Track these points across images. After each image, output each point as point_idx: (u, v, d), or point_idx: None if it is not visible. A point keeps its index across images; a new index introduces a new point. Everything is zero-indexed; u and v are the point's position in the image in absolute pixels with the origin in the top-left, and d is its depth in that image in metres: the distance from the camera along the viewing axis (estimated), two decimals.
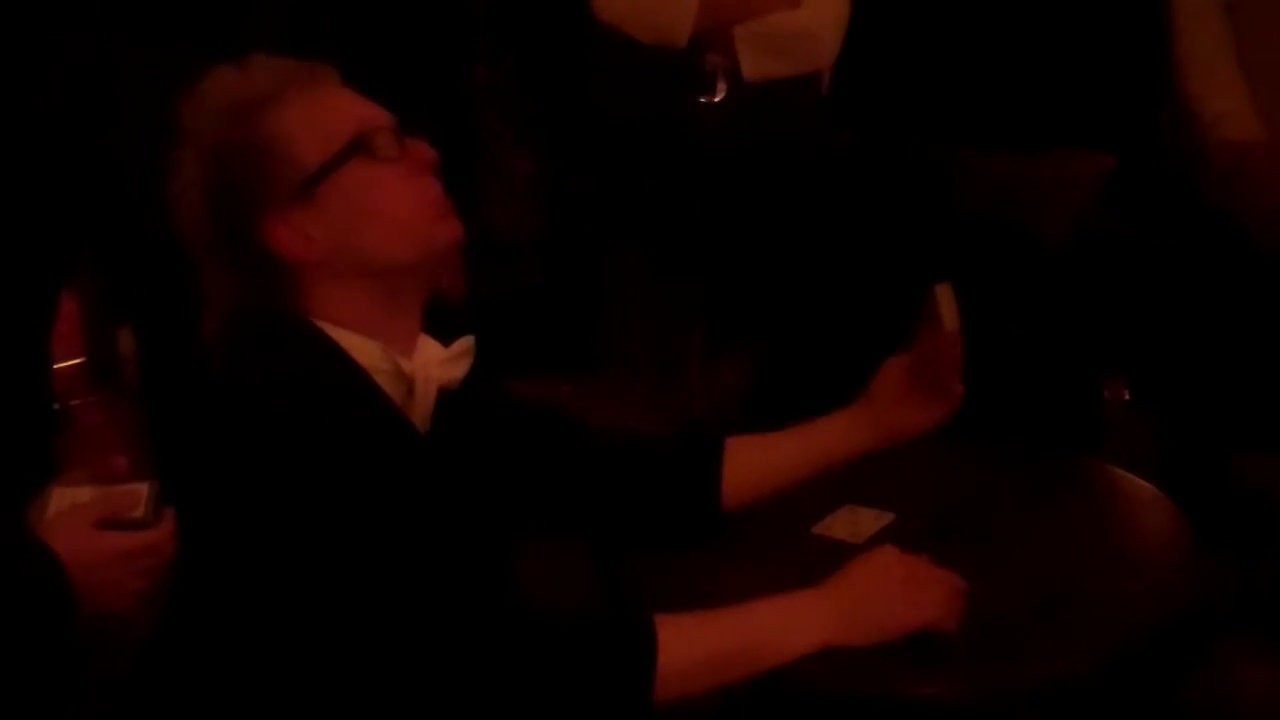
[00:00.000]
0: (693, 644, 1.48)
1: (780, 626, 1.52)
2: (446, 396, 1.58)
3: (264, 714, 1.47)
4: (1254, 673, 2.02)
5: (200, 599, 1.49)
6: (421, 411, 1.55)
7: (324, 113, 1.53)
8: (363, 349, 1.51)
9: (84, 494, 1.44)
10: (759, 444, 1.82)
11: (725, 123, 2.57)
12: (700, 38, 2.52)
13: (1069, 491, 1.99)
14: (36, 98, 2.28)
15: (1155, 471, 2.12)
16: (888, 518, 1.87)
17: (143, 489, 1.44)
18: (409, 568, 1.40)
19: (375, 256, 1.52)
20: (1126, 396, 2.80)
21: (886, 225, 2.64)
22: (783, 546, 1.85)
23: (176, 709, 1.50)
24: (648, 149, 2.60)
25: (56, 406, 2.49)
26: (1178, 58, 2.56)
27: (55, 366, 2.50)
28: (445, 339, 1.60)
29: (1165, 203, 2.64)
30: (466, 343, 1.59)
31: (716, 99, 2.55)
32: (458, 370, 1.58)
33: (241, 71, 1.55)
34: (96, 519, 1.41)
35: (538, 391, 2.40)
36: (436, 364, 1.57)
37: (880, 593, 1.55)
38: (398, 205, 1.52)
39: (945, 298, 1.72)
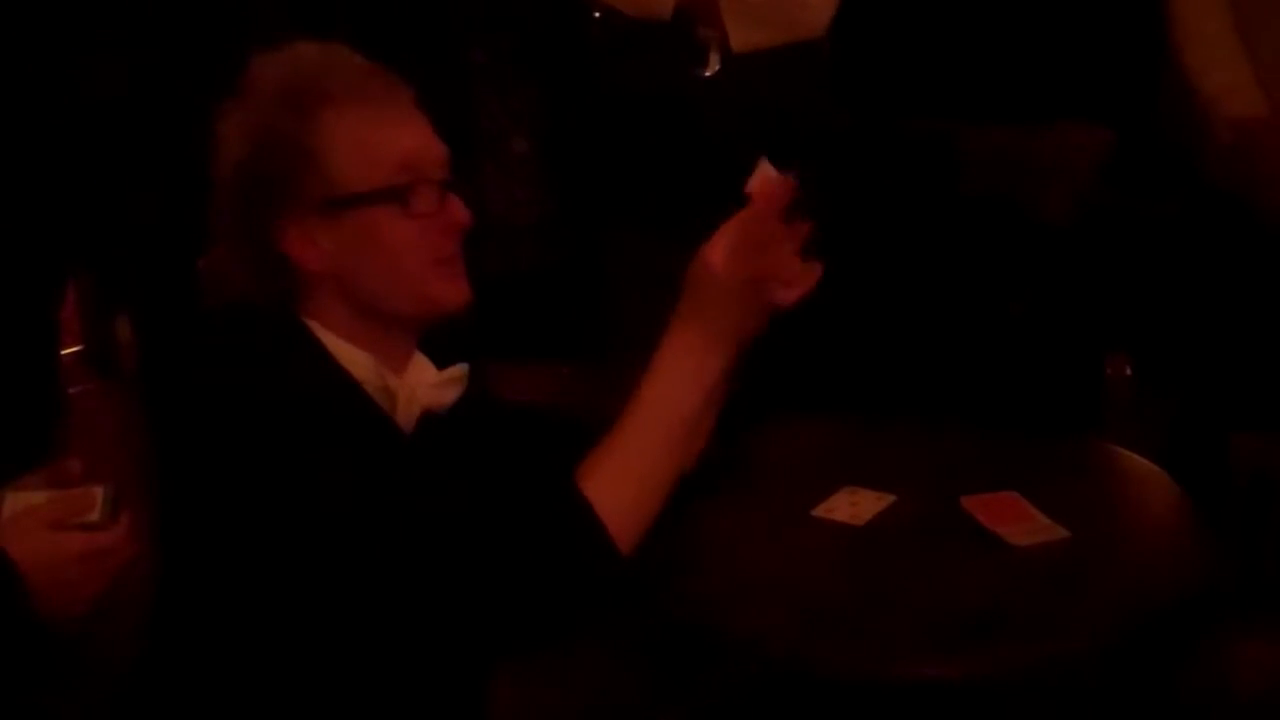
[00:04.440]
0: (617, 470, 1.46)
1: (671, 386, 1.49)
2: (432, 417, 1.56)
3: (263, 706, 1.47)
4: (1255, 653, 2.02)
5: (190, 588, 1.49)
6: (402, 427, 1.54)
7: (377, 140, 1.50)
8: (353, 359, 1.51)
9: (38, 498, 1.41)
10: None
11: (723, 99, 2.56)
12: (687, 10, 2.50)
13: (1071, 471, 1.98)
14: (49, 95, 2.28)
15: (1157, 450, 2.11)
16: (889, 499, 1.86)
17: (98, 491, 1.41)
18: (382, 540, 1.40)
19: (372, 294, 1.51)
20: (1129, 373, 2.79)
21: (887, 202, 2.63)
22: (783, 529, 1.85)
23: (174, 709, 1.51)
24: (647, 128, 2.59)
25: (70, 391, 2.50)
26: (1176, 31, 2.54)
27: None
28: (445, 357, 1.58)
29: (1167, 178, 2.62)
30: (459, 370, 1.57)
31: (708, 73, 2.54)
32: (446, 396, 1.57)
33: (321, 55, 1.53)
34: (51, 521, 1.39)
35: (539, 376, 2.40)
36: (425, 386, 1.55)
37: (726, 301, 1.52)
38: (410, 261, 1.50)
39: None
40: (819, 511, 1.85)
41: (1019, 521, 1.79)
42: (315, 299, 1.52)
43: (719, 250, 1.51)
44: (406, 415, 1.54)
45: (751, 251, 1.51)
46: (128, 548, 1.41)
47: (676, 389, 1.49)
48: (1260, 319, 2.44)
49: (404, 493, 1.42)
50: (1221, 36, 2.51)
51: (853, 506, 1.85)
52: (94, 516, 1.40)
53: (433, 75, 2.64)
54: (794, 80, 2.60)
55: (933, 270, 2.54)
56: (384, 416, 1.52)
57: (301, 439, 1.41)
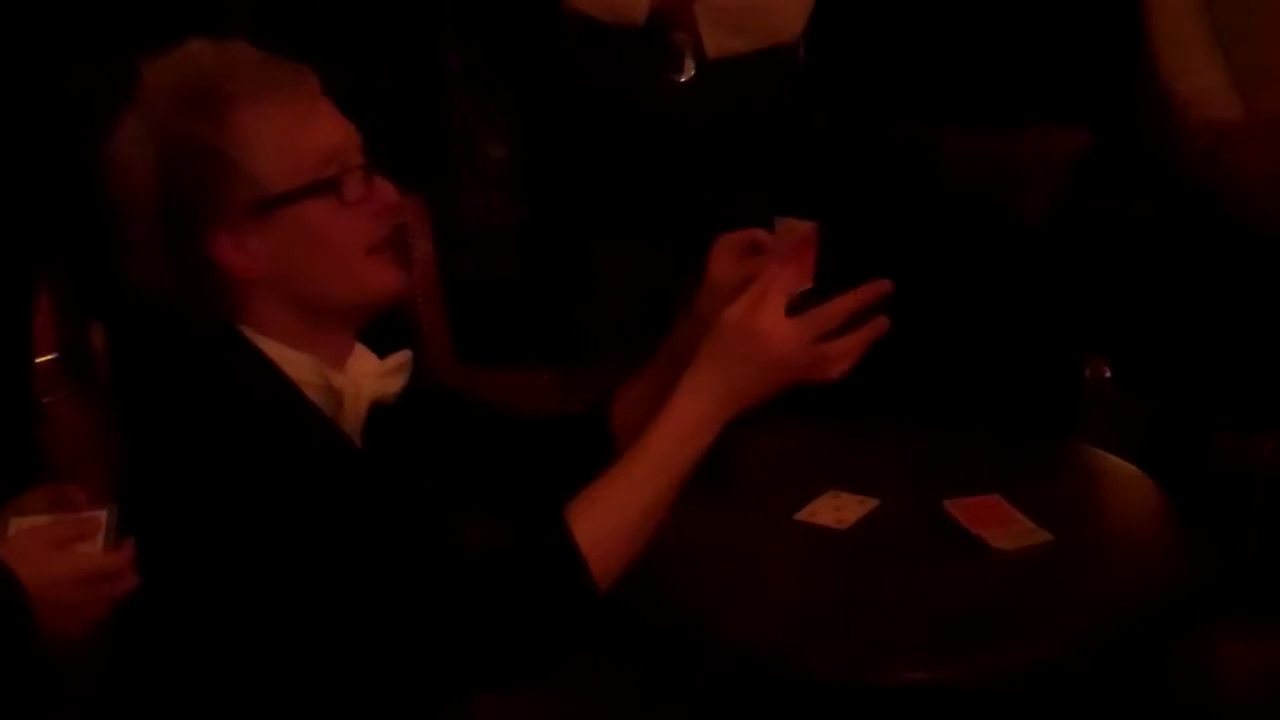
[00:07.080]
0: (609, 516, 1.45)
1: (677, 444, 1.48)
2: (380, 410, 1.54)
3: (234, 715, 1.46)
4: (1238, 653, 2.02)
5: (154, 598, 1.47)
6: (352, 424, 1.51)
7: (298, 133, 1.45)
8: (293, 362, 1.47)
9: (41, 520, 1.40)
10: (637, 384, 1.74)
11: (700, 103, 2.55)
12: (662, 15, 2.50)
13: (1052, 474, 1.99)
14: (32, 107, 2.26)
15: (1137, 451, 2.11)
16: (871, 503, 1.86)
17: (101, 516, 1.40)
18: (345, 558, 1.38)
19: (313, 291, 1.47)
20: (1108, 375, 2.79)
21: (866, 204, 2.63)
22: (767, 533, 1.84)
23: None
24: (624, 131, 2.59)
25: (45, 400, 2.47)
26: (1152, 35, 2.54)
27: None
28: (385, 346, 1.56)
29: (1144, 179, 2.63)
30: (403, 357, 1.54)
31: (683, 78, 2.54)
32: (391, 385, 1.54)
33: (219, 53, 1.47)
34: (55, 543, 1.37)
35: (518, 381, 2.39)
36: (370, 378, 1.52)
37: (748, 359, 1.49)
38: (348, 250, 1.47)
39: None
40: (802, 516, 1.85)
41: (1002, 525, 1.79)
42: (249, 305, 1.48)
43: (768, 318, 1.49)
44: (354, 411, 1.51)
45: (815, 333, 1.50)
46: (130, 575, 1.39)
47: (681, 444, 1.48)
48: (1238, 319, 2.44)
49: (354, 519, 1.41)
50: (1197, 41, 2.51)
51: (836, 511, 1.85)
52: (98, 540, 1.38)
53: (408, 80, 2.65)
54: (768, 85, 2.60)
55: (911, 272, 2.54)
56: (334, 431, 1.49)
57: (252, 466, 1.39)
